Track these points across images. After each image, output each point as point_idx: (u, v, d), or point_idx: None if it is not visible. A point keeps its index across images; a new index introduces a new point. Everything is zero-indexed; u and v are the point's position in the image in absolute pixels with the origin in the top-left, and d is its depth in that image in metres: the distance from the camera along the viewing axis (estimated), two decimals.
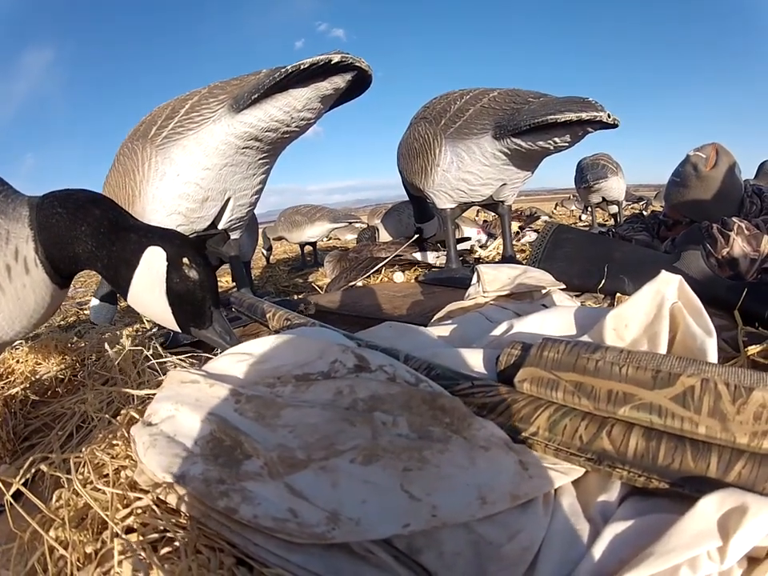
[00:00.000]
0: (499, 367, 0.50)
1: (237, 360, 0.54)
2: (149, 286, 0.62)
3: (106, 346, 0.83)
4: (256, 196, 1.17)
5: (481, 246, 2.25)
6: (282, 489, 0.36)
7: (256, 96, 0.92)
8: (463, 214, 2.27)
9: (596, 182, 3.05)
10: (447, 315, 0.85)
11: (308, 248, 3.59)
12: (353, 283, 1.62)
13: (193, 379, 0.49)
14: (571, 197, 6.29)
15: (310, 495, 0.35)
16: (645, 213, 3.28)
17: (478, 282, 0.88)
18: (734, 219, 1.27)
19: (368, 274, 1.62)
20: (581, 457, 0.40)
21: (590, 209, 3.61)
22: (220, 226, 1.15)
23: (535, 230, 2.84)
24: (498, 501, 0.36)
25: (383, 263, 1.61)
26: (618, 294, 1.02)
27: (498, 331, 0.61)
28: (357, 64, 0.91)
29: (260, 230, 3.99)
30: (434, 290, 1.43)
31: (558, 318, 0.59)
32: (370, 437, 0.40)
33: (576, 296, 1.04)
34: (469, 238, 2.23)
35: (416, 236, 1.79)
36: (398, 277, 1.59)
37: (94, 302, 1.53)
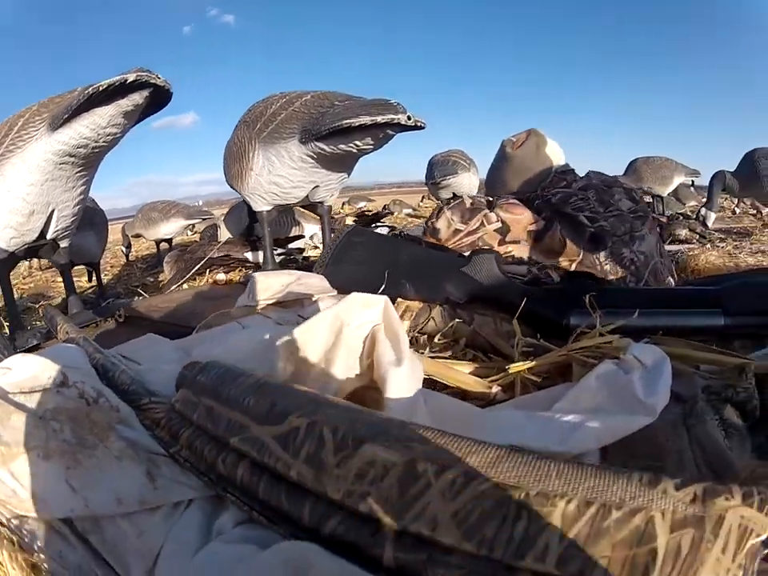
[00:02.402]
0: (176, 385, 0.52)
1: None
2: None
3: None
4: (78, 206, 1.26)
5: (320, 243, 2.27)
6: (7, 474, 0.45)
7: (67, 116, 1.00)
8: (306, 211, 2.29)
9: (443, 179, 3.16)
10: (211, 323, 0.85)
11: (164, 245, 3.45)
12: (176, 285, 1.59)
13: None
14: None
15: (22, 481, 0.45)
16: None
17: (250, 290, 0.89)
18: (467, 196, 1.40)
19: (190, 275, 1.60)
20: (206, 477, 0.44)
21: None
22: (48, 237, 1.25)
23: (388, 227, 2.90)
24: (130, 504, 0.44)
25: (200, 264, 1.60)
26: (399, 300, 0.98)
27: (197, 350, 0.63)
28: (152, 81, 0.98)
29: (120, 227, 3.78)
30: None
31: (251, 339, 0.61)
32: (44, 439, 0.47)
33: None
34: (303, 236, 2.25)
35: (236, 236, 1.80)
36: (221, 278, 1.58)
37: None
